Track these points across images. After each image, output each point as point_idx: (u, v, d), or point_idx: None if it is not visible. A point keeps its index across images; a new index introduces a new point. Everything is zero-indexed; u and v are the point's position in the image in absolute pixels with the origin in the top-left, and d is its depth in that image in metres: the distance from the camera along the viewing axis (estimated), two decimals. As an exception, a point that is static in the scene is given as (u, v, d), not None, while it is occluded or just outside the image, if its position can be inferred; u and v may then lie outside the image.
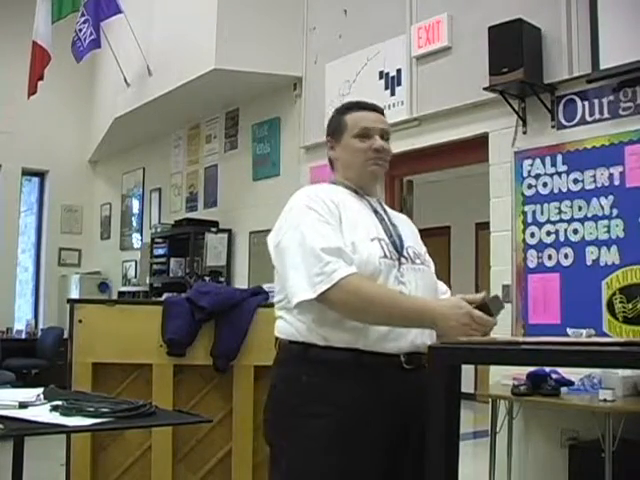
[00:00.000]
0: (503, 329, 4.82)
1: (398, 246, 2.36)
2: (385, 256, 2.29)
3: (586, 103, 5.03)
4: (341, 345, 2.22)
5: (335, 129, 2.52)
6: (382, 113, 2.58)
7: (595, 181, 4.93)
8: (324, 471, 2.19)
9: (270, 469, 2.36)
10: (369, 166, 2.46)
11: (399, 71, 6.35)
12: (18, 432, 2.13)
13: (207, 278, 7.92)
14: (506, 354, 2.02)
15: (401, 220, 2.57)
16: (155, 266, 9.08)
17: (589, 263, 4.92)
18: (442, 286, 2.60)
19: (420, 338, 2.27)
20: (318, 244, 2.19)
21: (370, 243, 2.29)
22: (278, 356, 2.37)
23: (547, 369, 4.48)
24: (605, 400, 4.20)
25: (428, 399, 1.99)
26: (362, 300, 2.16)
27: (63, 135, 11.18)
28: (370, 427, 2.22)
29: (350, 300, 2.16)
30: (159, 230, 9.26)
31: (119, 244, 10.99)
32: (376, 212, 2.44)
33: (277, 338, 2.37)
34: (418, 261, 2.40)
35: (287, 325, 2.32)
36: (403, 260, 2.34)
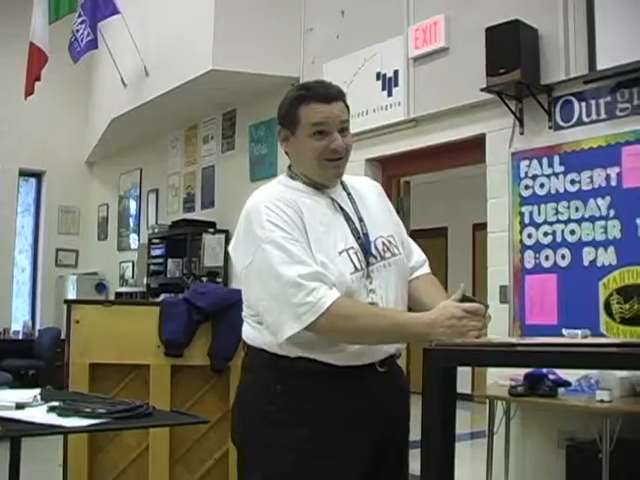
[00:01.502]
0: (500, 330, 4.83)
1: (365, 245, 2.26)
2: (356, 269, 2.20)
3: (583, 104, 5.04)
4: (314, 357, 2.15)
5: (287, 120, 2.33)
6: (340, 97, 2.37)
7: (592, 182, 4.93)
8: None
9: (240, 471, 2.30)
10: (327, 169, 2.29)
11: (396, 72, 6.35)
12: (15, 433, 2.13)
13: (204, 279, 7.92)
14: (501, 356, 2.02)
15: (367, 197, 2.43)
16: (152, 267, 9.08)
17: (586, 264, 4.92)
18: (419, 258, 2.50)
19: (393, 345, 2.25)
20: (295, 271, 2.06)
21: (339, 258, 2.18)
22: (247, 360, 2.31)
23: (544, 370, 4.48)
24: (602, 401, 4.20)
25: (422, 401, 1.99)
26: (354, 325, 2.08)
27: (60, 136, 11.17)
28: (347, 435, 2.18)
29: (342, 325, 2.08)
30: (156, 231, 9.25)
31: (116, 245, 10.99)
32: (341, 209, 2.30)
33: (245, 341, 2.30)
34: (388, 254, 2.31)
35: (256, 333, 2.24)
36: (372, 260, 2.25)
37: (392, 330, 2.12)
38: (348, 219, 2.29)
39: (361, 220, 2.31)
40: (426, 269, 2.51)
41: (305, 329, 2.05)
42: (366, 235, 2.28)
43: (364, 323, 2.09)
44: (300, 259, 2.09)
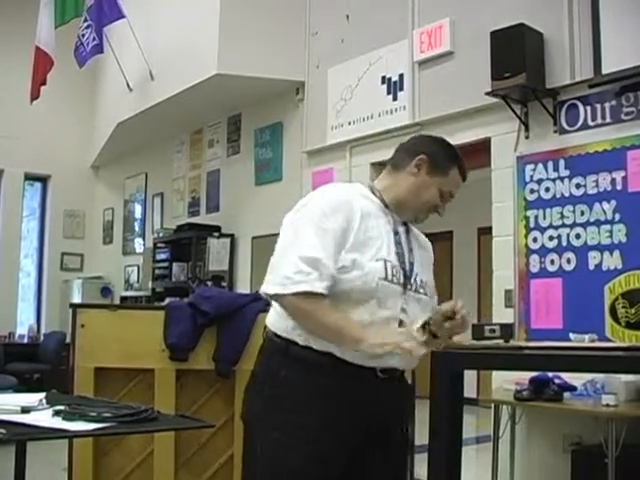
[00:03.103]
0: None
1: (407, 271, 2.38)
2: (386, 278, 2.30)
3: (588, 108, 5.03)
4: (320, 349, 2.29)
5: (437, 163, 2.45)
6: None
7: (597, 186, 4.92)
8: (292, 464, 2.28)
9: (245, 447, 2.51)
10: (419, 215, 2.48)
11: (401, 76, 6.36)
12: (20, 437, 2.13)
13: (209, 283, 7.92)
14: (509, 359, 2.02)
15: (421, 245, 2.57)
16: (157, 271, 9.08)
17: (591, 268, 4.92)
18: None
19: (399, 363, 2.35)
20: (300, 251, 2.25)
21: (374, 263, 2.30)
22: (263, 345, 2.46)
23: (550, 374, 4.47)
24: (608, 405, 4.20)
25: (430, 404, 1.99)
26: (310, 316, 2.25)
27: (66, 140, 11.19)
28: (341, 425, 2.30)
29: (296, 314, 2.27)
30: (161, 235, 9.26)
31: (121, 249, 10.99)
32: (396, 233, 2.43)
33: (266, 326, 2.45)
34: (422, 291, 2.43)
35: (277, 317, 2.39)
36: (409, 287, 2.37)
37: (334, 329, 2.24)
38: (398, 243, 2.41)
39: (411, 251, 2.46)
40: None
41: (271, 297, 2.29)
42: (411, 264, 2.42)
43: (318, 317, 2.24)
44: (313, 245, 2.25)
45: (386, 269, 2.31)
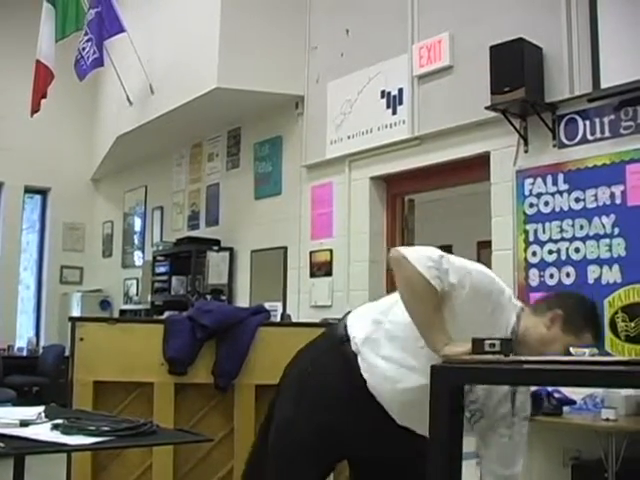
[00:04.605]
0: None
1: None
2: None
3: (587, 122, 5.04)
4: (370, 383, 2.53)
5: (572, 322, 2.47)
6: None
7: (596, 200, 4.93)
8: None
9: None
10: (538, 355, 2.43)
11: (401, 90, 6.37)
12: (19, 451, 2.12)
13: (209, 296, 7.91)
14: (509, 374, 2.02)
15: None
16: (157, 284, 9.07)
17: (591, 282, 4.92)
18: None
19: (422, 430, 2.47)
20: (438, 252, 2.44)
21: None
22: (331, 330, 2.75)
23: (549, 388, 4.46)
24: (608, 419, 4.19)
25: (430, 418, 1.99)
26: (412, 289, 2.39)
27: (65, 153, 11.20)
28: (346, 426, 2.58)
29: (409, 281, 2.38)
30: (161, 248, 9.26)
31: (121, 262, 10.99)
32: None
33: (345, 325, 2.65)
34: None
35: (363, 323, 2.60)
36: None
37: (423, 318, 2.38)
38: None
39: None
40: None
41: (398, 259, 2.40)
42: None
43: (425, 299, 2.36)
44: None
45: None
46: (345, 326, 2.64)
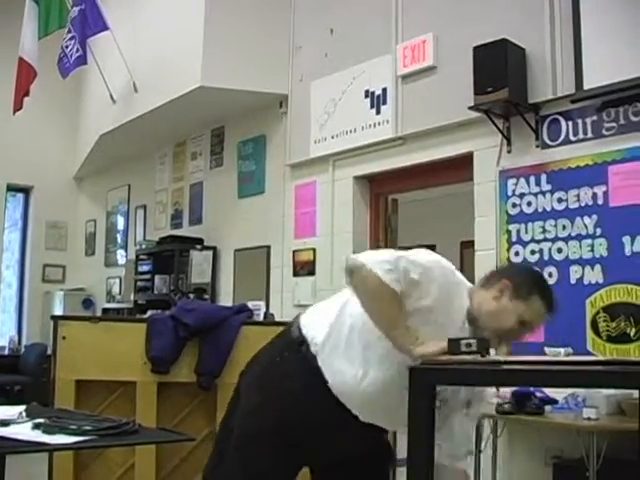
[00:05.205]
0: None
1: None
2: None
3: (570, 123, 5.07)
4: (330, 382, 2.52)
5: (519, 289, 2.46)
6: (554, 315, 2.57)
7: (579, 200, 4.95)
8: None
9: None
10: (495, 338, 2.43)
11: (384, 90, 6.38)
12: None
13: (192, 295, 7.90)
14: (487, 375, 2.03)
15: None
16: (139, 283, 9.04)
17: (573, 282, 4.94)
18: None
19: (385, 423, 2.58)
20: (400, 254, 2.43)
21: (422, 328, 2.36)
22: (286, 331, 2.71)
23: (531, 387, 4.48)
24: (589, 419, 4.20)
25: (409, 417, 1.99)
26: (373, 294, 2.39)
27: (48, 151, 11.14)
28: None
29: (367, 286, 2.39)
30: (144, 247, 9.22)
31: (103, 260, 10.94)
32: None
33: (299, 325, 2.64)
34: None
35: (322, 324, 2.60)
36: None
37: (388, 321, 2.37)
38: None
39: None
40: None
41: (355, 267, 2.40)
42: None
43: (386, 300, 2.36)
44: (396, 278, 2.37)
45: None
46: (299, 328, 2.63)
